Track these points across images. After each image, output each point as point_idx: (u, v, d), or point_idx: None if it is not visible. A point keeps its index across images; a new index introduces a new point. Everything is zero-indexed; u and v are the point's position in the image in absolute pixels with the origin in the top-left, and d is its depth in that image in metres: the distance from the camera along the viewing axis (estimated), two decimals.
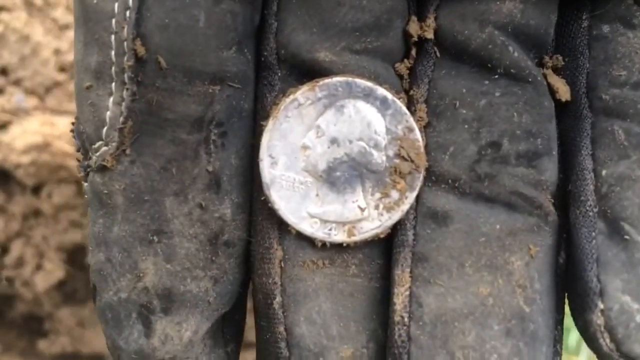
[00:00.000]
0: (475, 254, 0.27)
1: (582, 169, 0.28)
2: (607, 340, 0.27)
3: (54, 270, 0.87)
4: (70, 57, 0.86)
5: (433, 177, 0.28)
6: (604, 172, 0.28)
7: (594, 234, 0.27)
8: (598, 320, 0.27)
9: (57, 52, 0.86)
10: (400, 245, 0.28)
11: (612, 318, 0.26)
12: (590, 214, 0.28)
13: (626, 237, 0.27)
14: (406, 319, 0.27)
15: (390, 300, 0.27)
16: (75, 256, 0.90)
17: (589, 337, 0.27)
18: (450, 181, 0.28)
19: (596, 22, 0.29)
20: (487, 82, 0.28)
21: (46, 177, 0.83)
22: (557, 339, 0.29)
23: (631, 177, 0.27)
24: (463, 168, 0.28)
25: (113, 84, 0.26)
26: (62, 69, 0.86)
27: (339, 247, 0.28)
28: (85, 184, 0.29)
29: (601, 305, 0.27)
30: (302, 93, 0.27)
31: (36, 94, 0.86)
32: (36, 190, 0.85)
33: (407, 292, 0.27)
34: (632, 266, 0.27)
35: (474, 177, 0.28)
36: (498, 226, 0.28)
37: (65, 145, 0.81)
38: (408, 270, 0.27)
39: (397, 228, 0.28)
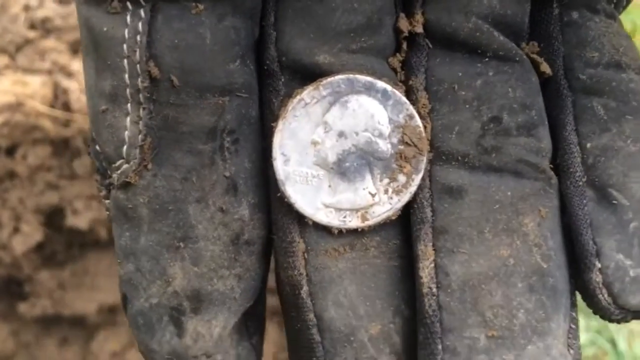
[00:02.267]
0: (492, 220, 0.30)
1: (569, 143, 0.31)
2: (605, 295, 0.29)
3: (31, 233, 0.86)
4: (40, 13, 0.83)
5: (443, 157, 0.30)
6: (588, 145, 0.30)
7: (585, 201, 0.30)
8: (597, 278, 0.29)
9: (26, 8, 0.84)
10: (420, 222, 0.30)
11: (609, 275, 0.29)
12: (580, 183, 0.30)
13: (614, 201, 0.30)
14: (434, 289, 0.29)
15: (416, 274, 0.29)
16: (52, 218, 0.89)
17: (589, 295, 0.30)
18: (459, 157, 0.30)
19: (566, 10, 0.32)
20: (479, 64, 0.30)
21: (20, 138, 0.82)
22: (572, 292, 0.31)
23: (614, 148, 0.30)
24: (470, 144, 0.30)
25: (129, 104, 0.28)
26: (32, 26, 0.84)
27: (356, 232, 0.30)
28: (107, 201, 0.31)
29: (598, 265, 0.29)
30: (308, 93, 0.29)
31: (6, 52, 0.84)
32: (10, 151, 0.83)
33: (432, 265, 0.29)
34: (622, 227, 0.30)
35: (481, 151, 0.30)
36: (509, 193, 0.30)
37: (38, 104, 0.79)
38: (430, 244, 0.29)
39: (414, 207, 0.30)
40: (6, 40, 0.83)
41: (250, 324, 0.33)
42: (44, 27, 0.88)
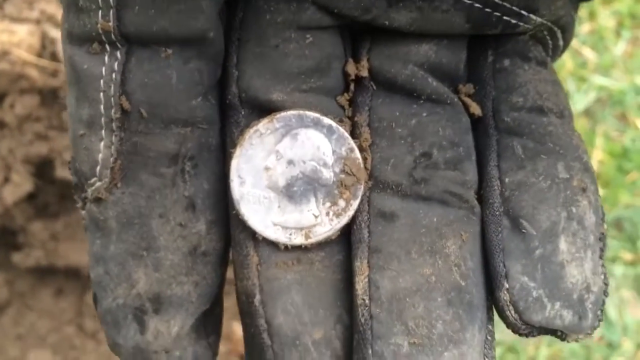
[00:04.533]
0: (419, 242, 0.33)
1: (491, 177, 0.35)
2: (512, 312, 0.33)
3: (22, 183, 0.87)
4: None
5: (380, 185, 0.34)
6: (506, 180, 0.34)
7: (500, 229, 0.34)
8: (505, 296, 0.33)
9: None
10: (358, 241, 0.33)
11: (515, 294, 0.33)
12: (497, 213, 0.34)
13: (524, 230, 0.34)
14: (367, 301, 0.32)
15: (353, 287, 0.33)
16: (42, 169, 0.89)
17: (499, 311, 0.34)
18: (394, 186, 0.34)
19: (499, 57, 0.36)
20: (415, 105, 0.34)
21: (7, 87, 0.81)
22: (489, 307, 0.35)
23: (527, 183, 0.34)
24: (403, 175, 0.34)
25: (103, 131, 0.32)
26: None
27: (303, 248, 0.34)
28: (83, 212, 0.35)
29: (506, 285, 0.33)
30: (263, 125, 0.33)
31: None
32: None
33: (366, 279, 0.33)
34: (528, 253, 0.33)
35: (412, 182, 0.34)
36: (435, 219, 0.34)
37: (24, 53, 0.79)
38: (366, 261, 0.33)
39: (354, 228, 0.34)
40: None
41: (208, 325, 0.37)
42: None
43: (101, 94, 0.32)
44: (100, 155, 0.33)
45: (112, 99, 0.32)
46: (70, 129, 0.34)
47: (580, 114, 1.28)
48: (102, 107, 0.32)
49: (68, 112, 0.34)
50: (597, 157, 1.25)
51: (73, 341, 1.00)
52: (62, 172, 0.88)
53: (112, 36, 0.31)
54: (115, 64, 0.32)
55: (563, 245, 0.34)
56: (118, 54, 0.32)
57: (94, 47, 0.32)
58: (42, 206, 0.94)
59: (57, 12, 0.86)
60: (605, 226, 0.36)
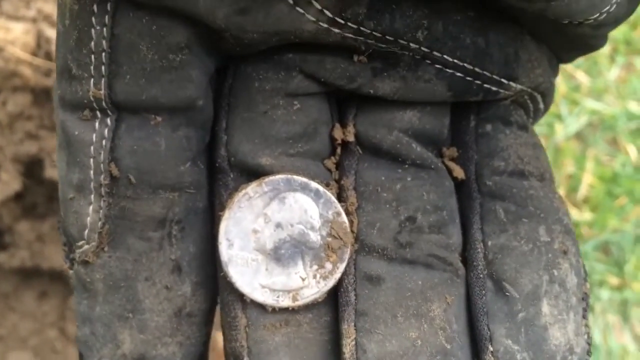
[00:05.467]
0: (404, 306, 0.33)
1: (474, 240, 0.35)
2: None
3: (10, 182, 0.86)
4: None
5: (366, 248, 0.34)
6: (490, 243, 0.35)
7: (484, 292, 0.34)
8: (489, 359, 0.33)
9: None
10: (345, 304, 0.34)
11: (499, 357, 0.33)
12: (481, 275, 0.34)
13: (507, 293, 0.34)
14: None
15: (340, 350, 0.33)
16: (31, 169, 0.88)
17: None
18: (380, 250, 0.34)
19: (481, 122, 0.37)
20: (400, 170, 0.35)
21: None
22: None
23: (509, 247, 0.35)
24: (388, 239, 0.34)
25: (92, 195, 0.33)
26: None
27: (291, 310, 0.34)
28: (71, 271, 0.35)
29: (491, 348, 0.33)
30: (252, 188, 0.33)
31: None
32: None
33: (353, 342, 0.33)
34: (512, 316, 0.34)
35: (398, 246, 0.34)
36: (420, 282, 0.34)
37: (19, 51, 0.78)
38: (353, 324, 0.33)
39: (341, 291, 0.34)
40: None
41: None
42: None
43: (91, 159, 0.32)
44: (88, 219, 0.33)
45: (102, 165, 0.32)
46: (60, 191, 0.34)
47: (571, 137, 1.29)
48: (91, 172, 0.32)
49: (58, 175, 0.34)
50: (587, 180, 1.25)
51: (54, 345, 0.98)
52: (51, 173, 0.87)
53: (103, 103, 0.31)
54: (106, 131, 0.32)
55: (545, 308, 0.34)
56: (108, 120, 0.32)
57: (85, 113, 0.32)
58: (30, 206, 0.93)
59: (54, 11, 0.86)
60: (588, 285, 0.37)
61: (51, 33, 0.82)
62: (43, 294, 1.02)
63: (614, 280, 1.19)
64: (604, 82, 1.32)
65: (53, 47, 0.82)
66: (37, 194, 0.92)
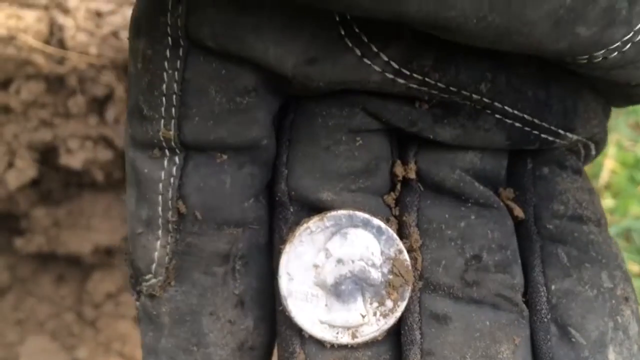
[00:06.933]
0: (473, 346, 0.33)
1: (537, 283, 0.35)
2: None
3: (26, 169, 0.87)
4: None
5: (431, 286, 0.34)
6: (553, 287, 0.34)
7: (549, 336, 0.34)
8: None
9: None
10: (410, 343, 0.33)
11: None
12: (545, 320, 0.34)
13: (572, 339, 0.33)
14: None
15: None
16: (46, 156, 0.89)
17: None
18: (445, 288, 0.34)
19: (538, 165, 0.37)
20: (463, 208, 0.35)
21: (13, 72, 0.81)
22: None
23: (574, 292, 0.34)
24: (455, 277, 0.34)
25: (160, 231, 0.34)
26: None
27: (350, 347, 0.34)
28: (138, 303, 0.36)
29: None
30: (314, 222, 0.33)
31: None
32: (4, 85, 0.83)
33: None
34: None
35: (464, 284, 0.34)
36: (488, 322, 0.33)
37: (31, 39, 0.78)
38: None
39: (405, 329, 0.34)
40: None
41: None
42: None
43: (160, 196, 0.33)
44: (156, 254, 0.34)
45: (170, 202, 0.33)
46: (129, 226, 0.35)
47: None
48: (160, 209, 0.33)
49: (127, 210, 0.35)
50: (609, 166, 1.23)
51: (72, 328, 1.00)
52: (66, 160, 0.88)
53: (172, 143, 0.32)
54: (174, 169, 0.33)
55: (612, 355, 0.34)
56: (177, 159, 0.33)
57: (155, 152, 0.33)
58: (46, 193, 0.95)
59: None
60: None
61: (64, 21, 0.83)
62: (60, 278, 1.04)
63: (635, 268, 1.17)
64: None
65: (65, 35, 0.82)
66: (53, 181, 0.93)
